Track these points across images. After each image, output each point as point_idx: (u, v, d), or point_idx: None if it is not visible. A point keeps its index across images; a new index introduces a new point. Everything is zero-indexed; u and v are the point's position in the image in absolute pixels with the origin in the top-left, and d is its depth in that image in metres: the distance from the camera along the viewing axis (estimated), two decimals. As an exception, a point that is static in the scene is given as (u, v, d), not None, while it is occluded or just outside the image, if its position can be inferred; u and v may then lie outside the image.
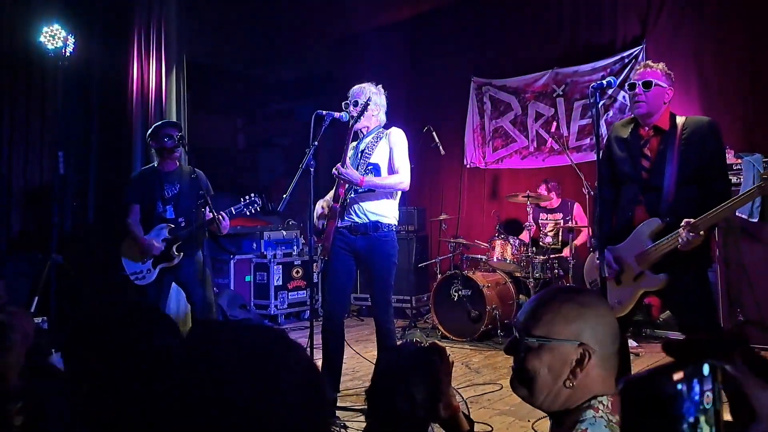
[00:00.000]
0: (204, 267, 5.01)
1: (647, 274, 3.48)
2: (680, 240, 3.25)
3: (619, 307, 3.59)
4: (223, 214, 4.94)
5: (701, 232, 3.21)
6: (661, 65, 3.52)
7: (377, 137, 4.43)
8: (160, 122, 5.46)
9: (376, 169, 4.35)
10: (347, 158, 4.31)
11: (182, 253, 5.10)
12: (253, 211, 5.06)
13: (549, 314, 1.53)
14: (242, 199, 5.03)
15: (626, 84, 3.56)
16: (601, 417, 1.45)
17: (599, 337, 1.51)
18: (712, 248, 3.79)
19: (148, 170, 5.32)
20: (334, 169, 4.29)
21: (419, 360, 2.03)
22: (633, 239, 3.55)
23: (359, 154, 4.42)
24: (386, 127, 4.55)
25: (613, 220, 3.70)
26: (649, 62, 3.56)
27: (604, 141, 4.02)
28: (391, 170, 4.39)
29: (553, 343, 1.50)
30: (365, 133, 4.48)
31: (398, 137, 4.42)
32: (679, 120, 3.52)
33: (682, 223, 3.25)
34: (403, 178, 4.35)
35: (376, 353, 4.62)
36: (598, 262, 3.62)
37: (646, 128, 3.57)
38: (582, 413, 1.47)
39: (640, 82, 3.48)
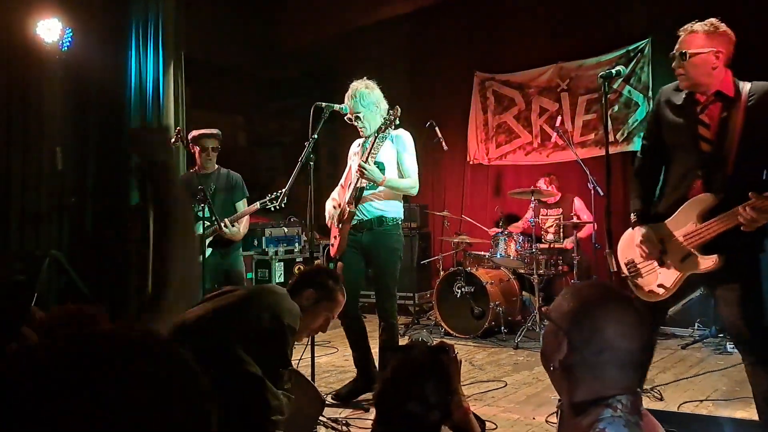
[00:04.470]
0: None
1: (696, 254, 3.11)
2: (741, 218, 2.88)
3: (662, 291, 3.23)
4: (226, 222, 5.11)
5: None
6: (701, 26, 3.13)
7: (383, 136, 4.42)
8: (203, 131, 5.41)
9: (382, 167, 4.40)
10: (369, 155, 4.33)
11: (212, 250, 5.23)
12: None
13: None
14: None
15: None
16: (620, 416, 1.47)
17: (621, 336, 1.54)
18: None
19: (187, 175, 5.47)
20: (358, 164, 4.34)
21: (430, 360, 1.97)
22: (681, 216, 3.17)
23: (366, 151, 4.45)
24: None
25: (661, 195, 3.33)
26: (690, 26, 3.17)
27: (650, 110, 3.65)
28: (400, 173, 4.47)
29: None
30: (369, 132, 4.49)
31: (405, 142, 4.50)
32: (744, 86, 3.12)
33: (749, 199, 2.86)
34: (414, 183, 4.50)
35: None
36: (637, 240, 3.28)
37: (704, 96, 3.17)
38: (601, 412, 1.49)
39: (678, 54, 3.14)
